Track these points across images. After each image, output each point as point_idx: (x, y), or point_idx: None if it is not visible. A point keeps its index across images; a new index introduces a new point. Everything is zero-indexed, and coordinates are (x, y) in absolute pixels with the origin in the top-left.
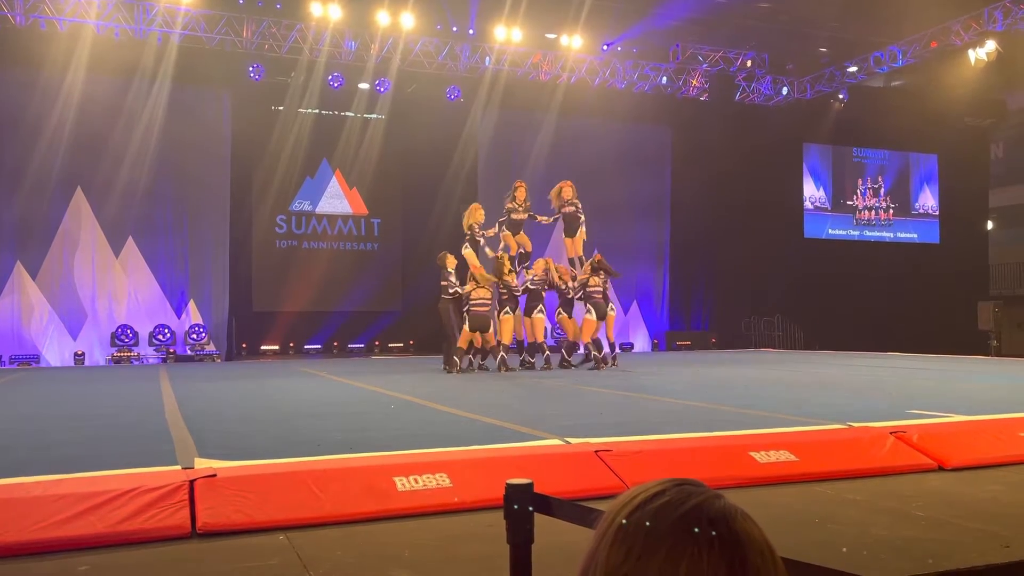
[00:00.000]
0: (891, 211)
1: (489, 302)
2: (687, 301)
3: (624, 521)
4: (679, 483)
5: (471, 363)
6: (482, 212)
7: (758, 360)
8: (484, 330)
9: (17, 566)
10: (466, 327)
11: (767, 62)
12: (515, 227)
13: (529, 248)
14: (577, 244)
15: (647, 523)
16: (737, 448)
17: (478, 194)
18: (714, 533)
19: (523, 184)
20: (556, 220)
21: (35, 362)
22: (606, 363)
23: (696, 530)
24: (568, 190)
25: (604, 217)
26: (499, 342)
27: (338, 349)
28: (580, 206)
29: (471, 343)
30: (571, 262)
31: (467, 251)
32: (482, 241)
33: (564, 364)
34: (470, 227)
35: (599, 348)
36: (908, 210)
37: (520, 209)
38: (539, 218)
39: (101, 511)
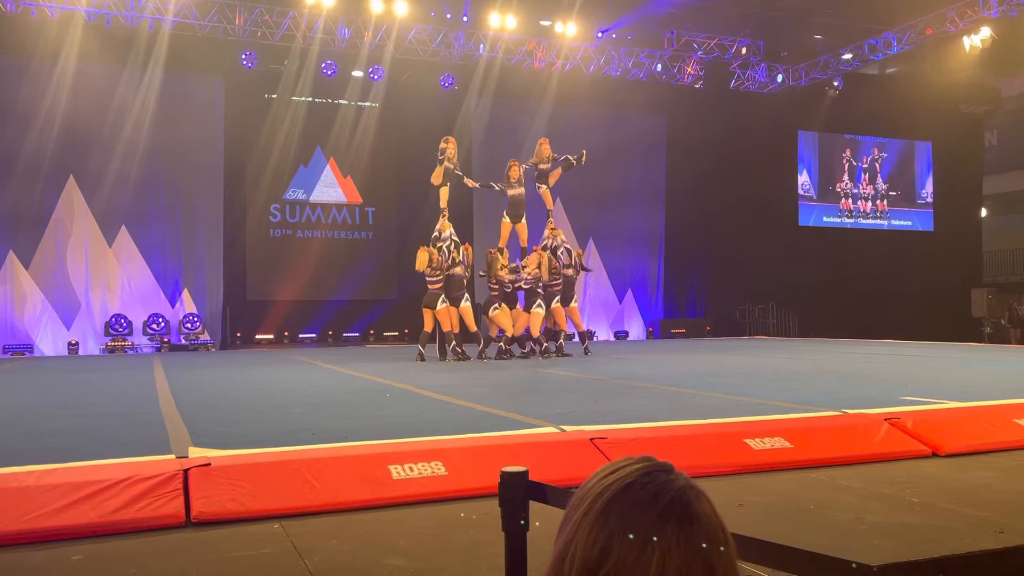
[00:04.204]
0: (885, 201)
1: (438, 283)
2: (682, 289)
3: (591, 511)
4: (641, 468)
5: (457, 353)
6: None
7: (753, 347)
8: (429, 307)
9: (11, 556)
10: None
11: (762, 49)
12: (516, 208)
13: (524, 242)
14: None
15: (615, 512)
16: (732, 435)
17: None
18: (680, 519)
19: (515, 162)
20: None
21: (28, 352)
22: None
23: (664, 518)
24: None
25: (599, 205)
26: (488, 335)
27: (333, 338)
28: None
29: (436, 329)
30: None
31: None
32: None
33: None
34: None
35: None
36: (913, 198)
37: (516, 184)
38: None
39: (95, 500)
